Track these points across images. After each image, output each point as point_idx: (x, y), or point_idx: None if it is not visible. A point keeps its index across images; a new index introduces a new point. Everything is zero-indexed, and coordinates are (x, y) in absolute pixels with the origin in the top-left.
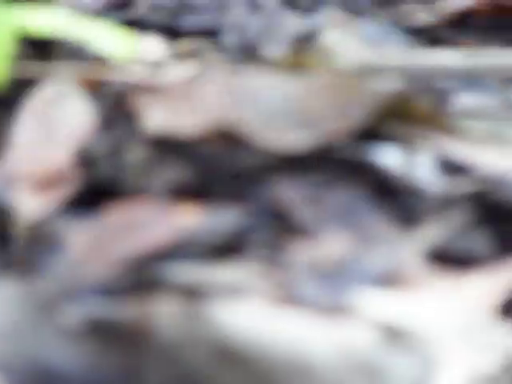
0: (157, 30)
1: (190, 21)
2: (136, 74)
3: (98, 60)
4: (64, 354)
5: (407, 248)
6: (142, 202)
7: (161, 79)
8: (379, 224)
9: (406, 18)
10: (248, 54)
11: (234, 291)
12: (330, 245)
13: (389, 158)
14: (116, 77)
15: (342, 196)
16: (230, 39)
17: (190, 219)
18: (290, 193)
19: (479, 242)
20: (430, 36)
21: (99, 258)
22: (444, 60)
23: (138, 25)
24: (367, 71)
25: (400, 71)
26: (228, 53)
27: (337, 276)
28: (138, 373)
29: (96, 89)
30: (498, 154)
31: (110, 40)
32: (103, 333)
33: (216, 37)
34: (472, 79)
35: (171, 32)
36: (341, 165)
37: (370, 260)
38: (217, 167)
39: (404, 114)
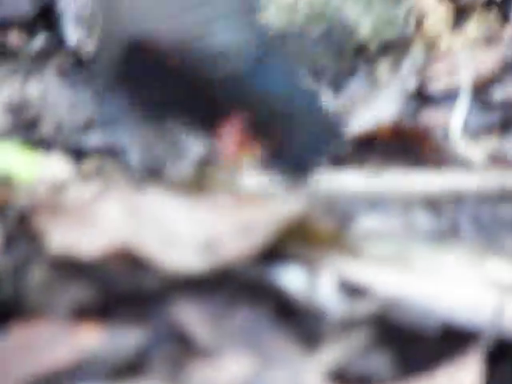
0: (62, 149)
1: (94, 140)
2: (40, 194)
3: (3, 180)
4: None
5: (309, 369)
6: (44, 321)
7: (64, 199)
8: (281, 345)
9: None
10: (152, 174)
11: None
12: (232, 365)
13: (291, 279)
14: (20, 197)
15: (244, 317)
16: (134, 159)
17: (92, 339)
18: (190, 313)
19: (380, 363)
20: (334, 159)
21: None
22: (347, 183)
23: (43, 144)
24: (270, 193)
25: (303, 193)
26: (132, 172)
27: None
28: None
29: (0, 208)
30: (398, 275)
31: (14, 160)
32: None
33: (121, 156)
34: (375, 201)
35: (76, 151)
36: (243, 285)
37: (271, 380)
38: (118, 288)
39: (307, 235)
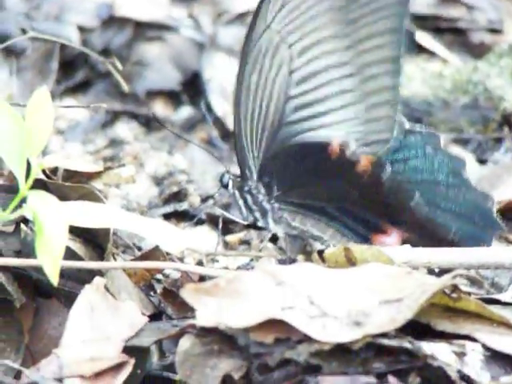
0: (208, 221)
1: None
2: (188, 265)
3: (151, 252)
4: None
5: None
6: None
7: (212, 270)
8: None
9: None
10: (298, 246)
11: None
12: None
13: (438, 350)
14: (168, 268)
15: None
16: (280, 231)
17: None
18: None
19: None
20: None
21: None
22: (493, 253)
23: (189, 216)
24: (416, 265)
25: (451, 266)
26: (279, 244)
27: None
28: None
29: (148, 280)
30: None
31: (161, 232)
32: None
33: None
34: None
35: (223, 223)
36: (389, 356)
37: None
38: (266, 359)
39: (453, 305)
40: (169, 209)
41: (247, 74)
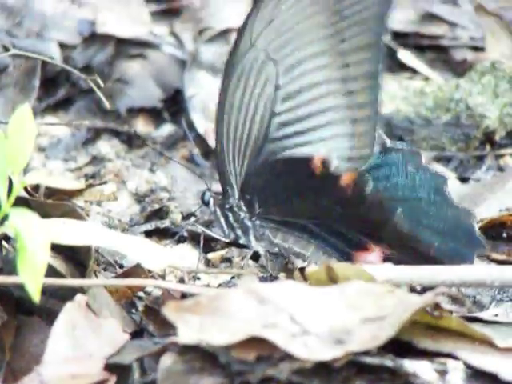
0: (189, 238)
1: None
2: (169, 283)
3: (132, 270)
4: None
5: None
6: None
7: (193, 287)
8: None
9: None
10: (279, 263)
11: None
12: None
13: (419, 368)
14: (150, 285)
15: None
16: (261, 249)
17: None
18: None
19: None
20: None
21: None
22: (475, 271)
23: (171, 233)
24: (398, 283)
25: (433, 284)
26: (260, 261)
27: None
28: None
29: (129, 297)
30: None
31: (143, 250)
32: None
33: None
34: (504, 289)
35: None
36: (371, 374)
37: None
38: (248, 376)
39: (435, 324)
40: (150, 226)
41: (231, 90)
